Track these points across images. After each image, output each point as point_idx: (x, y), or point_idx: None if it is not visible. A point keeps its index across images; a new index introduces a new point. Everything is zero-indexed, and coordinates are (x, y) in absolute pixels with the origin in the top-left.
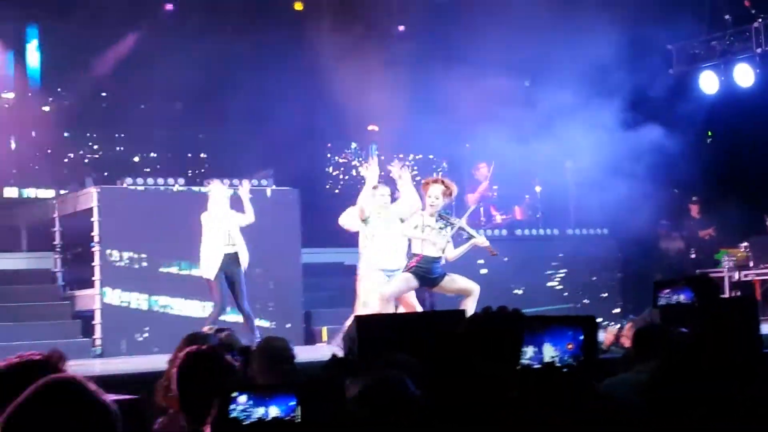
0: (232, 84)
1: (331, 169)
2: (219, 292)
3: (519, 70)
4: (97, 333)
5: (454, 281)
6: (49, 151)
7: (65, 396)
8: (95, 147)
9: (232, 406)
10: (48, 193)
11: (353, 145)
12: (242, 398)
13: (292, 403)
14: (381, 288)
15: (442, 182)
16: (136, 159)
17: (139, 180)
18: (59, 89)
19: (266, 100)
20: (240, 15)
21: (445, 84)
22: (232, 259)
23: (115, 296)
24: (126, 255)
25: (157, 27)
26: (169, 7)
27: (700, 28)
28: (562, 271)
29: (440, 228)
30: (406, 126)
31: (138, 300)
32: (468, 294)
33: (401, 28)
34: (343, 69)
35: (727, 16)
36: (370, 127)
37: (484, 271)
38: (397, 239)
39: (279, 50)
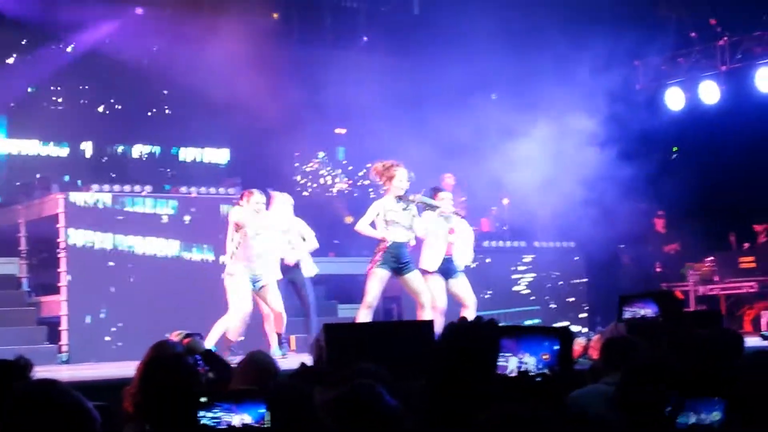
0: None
1: (299, 178)
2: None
3: (485, 83)
4: (64, 339)
5: (417, 281)
6: None
7: (50, 398)
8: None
9: (201, 413)
10: None
11: (321, 154)
12: (212, 405)
13: (262, 410)
14: (366, 298)
15: (403, 167)
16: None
17: (106, 186)
18: None
19: (233, 108)
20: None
21: (412, 95)
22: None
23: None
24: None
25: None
26: (140, 11)
27: (667, 45)
28: (529, 275)
29: (402, 209)
30: (373, 132)
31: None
32: (421, 302)
33: (365, 38)
34: (309, 77)
35: (693, 34)
36: (337, 130)
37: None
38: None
39: (247, 59)
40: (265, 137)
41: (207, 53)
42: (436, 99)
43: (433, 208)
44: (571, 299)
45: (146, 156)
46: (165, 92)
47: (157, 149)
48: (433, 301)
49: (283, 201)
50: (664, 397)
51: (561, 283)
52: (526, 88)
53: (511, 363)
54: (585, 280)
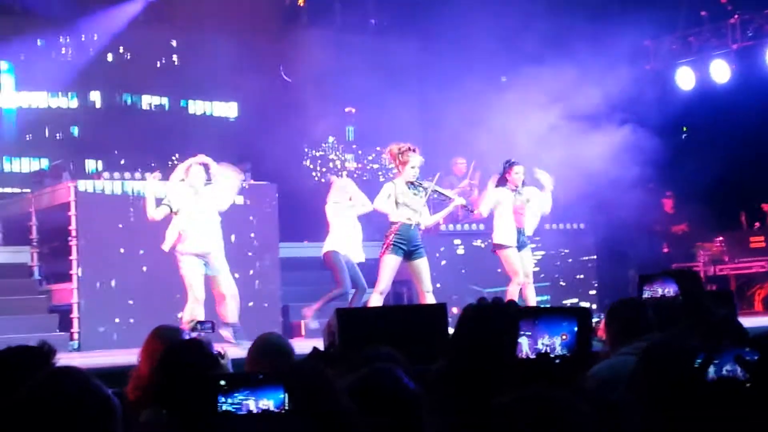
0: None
1: (308, 163)
2: (345, 273)
3: (495, 65)
4: (75, 327)
5: (422, 270)
6: None
7: (70, 384)
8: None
9: (222, 399)
10: None
11: (330, 139)
12: (231, 391)
13: (282, 394)
14: (379, 284)
15: (418, 152)
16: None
17: (116, 173)
18: None
19: (243, 92)
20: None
21: (421, 76)
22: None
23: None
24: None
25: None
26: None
27: (677, 24)
28: (538, 253)
29: (413, 194)
30: (383, 114)
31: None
32: (422, 290)
33: (373, 21)
34: (321, 60)
35: (703, 12)
36: (347, 109)
37: (461, 251)
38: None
39: (256, 45)
40: (276, 113)
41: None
42: (446, 80)
43: (444, 196)
44: (581, 276)
45: (155, 107)
46: (173, 43)
47: (165, 101)
48: (520, 275)
49: (343, 185)
50: (691, 353)
51: (570, 260)
52: (536, 69)
53: (529, 344)
54: (594, 257)
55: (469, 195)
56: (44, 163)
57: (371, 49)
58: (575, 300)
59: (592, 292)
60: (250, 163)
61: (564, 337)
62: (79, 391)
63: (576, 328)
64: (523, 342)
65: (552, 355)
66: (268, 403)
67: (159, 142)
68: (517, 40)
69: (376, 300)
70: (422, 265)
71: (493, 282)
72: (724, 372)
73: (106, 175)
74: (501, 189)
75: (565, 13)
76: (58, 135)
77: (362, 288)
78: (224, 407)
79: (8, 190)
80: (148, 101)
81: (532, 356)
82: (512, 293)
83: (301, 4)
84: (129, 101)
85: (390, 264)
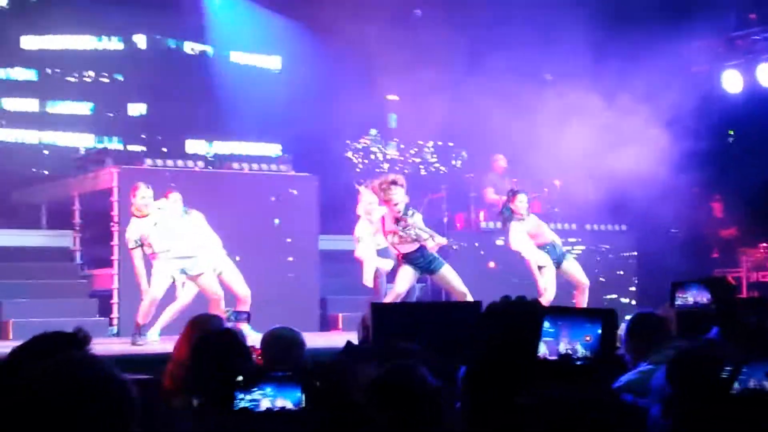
0: None
1: (350, 154)
2: (382, 288)
3: (540, 63)
4: (114, 312)
5: (449, 278)
6: None
7: (81, 373)
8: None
9: (239, 395)
10: None
11: (373, 131)
12: (249, 387)
13: (299, 393)
14: (396, 286)
15: (398, 183)
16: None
17: (159, 161)
18: None
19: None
20: None
21: (465, 69)
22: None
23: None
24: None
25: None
26: None
27: (725, 26)
28: (578, 248)
29: (403, 228)
30: (426, 105)
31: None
32: (460, 297)
33: (418, 12)
34: (363, 54)
35: (752, 15)
36: (389, 97)
37: (500, 241)
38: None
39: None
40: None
41: None
42: (490, 75)
43: (427, 239)
44: (621, 272)
45: (198, 53)
46: None
47: (210, 48)
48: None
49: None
50: (719, 363)
51: (611, 256)
52: (582, 68)
53: (551, 345)
54: (635, 253)
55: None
56: (89, 107)
57: (416, 42)
58: (614, 296)
59: (632, 288)
60: (292, 155)
61: (588, 338)
62: (91, 377)
63: (600, 331)
64: (548, 343)
65: (574, 357)
66: (285, 401)
67: (201, 94)
68: (563, 40)
69: (389, 299)
70: (445, 273)
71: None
72: (751, 384)
73: (148, 161)
74: (516, 228)
75: (613, 14)
76: (102, 78)
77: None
78: (242, 404)
79: (51, 132)
80: (191, 47)
81: (553, 357)
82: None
83: None
84: (173, 45)
85: (406, 272)
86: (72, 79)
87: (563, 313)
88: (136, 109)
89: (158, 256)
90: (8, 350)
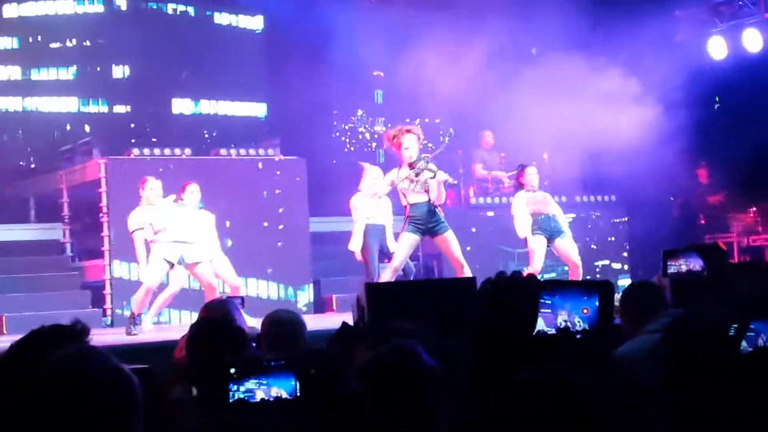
0: None
1: (338, 134)
2: (372, 263)
3: (525, 37)
4: (107, 303)
5: (450, 243)
6: None
7: (86, 365)
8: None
9: (233, 387)
10: None
11: (359, 112)
12: (243, 378)
13: (293, 382)
14: (393, 260)
15: (412, 132)
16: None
17: (146, 150)
18: None
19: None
20: None
21: (451, 48)
22: (380, 231)
23: (124, 269)
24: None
25: None
26: None
27: None
28: (569, 215)
29: (415, 175)
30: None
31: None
32: (458, 264)
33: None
34: (350, 35)
35: None
36: (375, 73)
37: (491, 213)
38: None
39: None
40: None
41: None
42: (475, 49)
43: (433, 172)
44: (612, 238)
45: (180, 12)
46: None
47: (191, 9)
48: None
49: (374, 174)
50: (721, 325)
51: (601, 223)
52: (566, 41)
53: (549, 319)
54: (625, 219)
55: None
56: (72, 71)
57: (399, 21)
58: (606, 262)
59: (624, 254)
60: (279, 138)
61: (585, 311)
62: (95, 371)
63: (597, 303)
64: (539, 320)
65: (573, 330)
66: (280, 390)
67: (185, 54)
68: (547, 13)
69: (387, 275)
70: (448, 238)
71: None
72: (759, 343)
73: (135, 151)
74: (520, 195)
75: None
76: (85, 42)
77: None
78: (237, 395)
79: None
80: (173, 7)
81: (552, 331)
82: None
83: None
84: (154, 6)
85: (406, 241)
86: (54, 45)
87: (560, 287)
88: (120, 71)
89: (156, 239)
90: (5, 345)
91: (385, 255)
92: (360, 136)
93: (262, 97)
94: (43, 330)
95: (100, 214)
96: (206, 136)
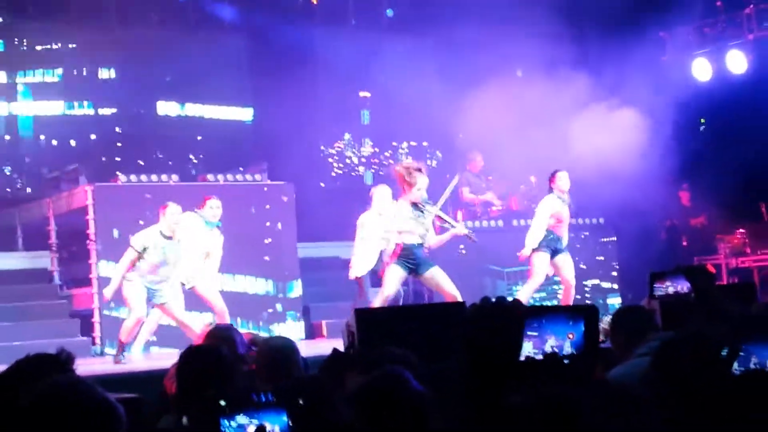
0: None
1: (330, 160)
2: (367, 286)
3: (511, 60)
4: (96, 331)
5: (438, 279)
6: None
7: (70, 396)
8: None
9: (224, 423)
10: None
11: (346, 135)
12: (234, 412)
13: (285, 417)
14: (384, 290)
15: (422, 171)
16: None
17: (133, 177)
18: None
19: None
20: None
21: (437, 71)
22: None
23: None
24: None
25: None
26: None
27: (692, 15)
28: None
29: (417, 216)
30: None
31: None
32: (449, 296)
33: (390, 13)
34: (336, 58)
35: (718, 2)
36: (362, 94)
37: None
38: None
39: (275, 44)
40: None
41: None
42: (462, 73)
43: (446, 222)
44: (601, 258)
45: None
46: None
47: None
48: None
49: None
50: (712, 346)
51: (590, 242)
52: (552, 64)
53: (536, 344)
54: (614, 239)
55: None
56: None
57: (386, 43)
58: (596, 281)
59: (614, 273)
60: (266, 163)
61: (571, 336)
62: (78, 401)
63: (583, 327)
64: (527, 345)
65: (560, 355)
66: (273, 427)
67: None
68: (533, 35)
69: (378, 302)
70: (435, 274)
71: (512, 262)
72: (751, 365)
73: (122, 178)
74: (549, 198)
75: (580, 7)
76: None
77: None
78: (228, 431)
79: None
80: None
81: (539, 356)
82: (524, 293)
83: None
84: None
85: (395, 274)
86: (39, 47)
87: (545, 312)
88: (106, 72)
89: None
90: None
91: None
92: (347, 160)
93: (249, 101)
94: (29, 359)
95: (88, 242)
96: (198, 138)
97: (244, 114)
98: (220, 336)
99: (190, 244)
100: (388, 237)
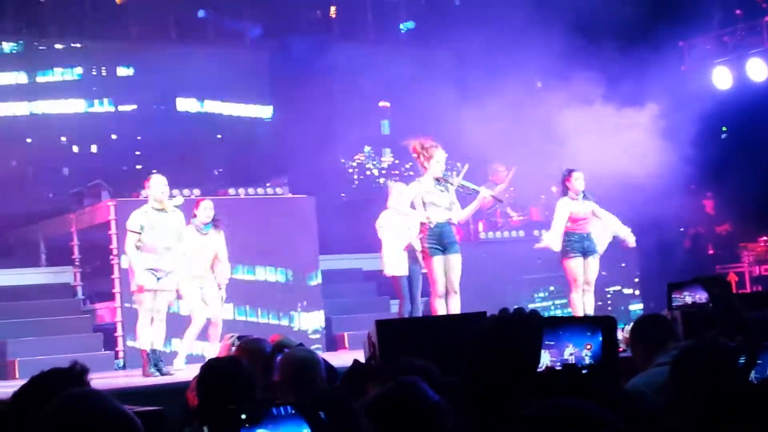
0: None
1: (351, 171)
2: (404, 287)
3: (529, 71)
4: (119, 345)
5: (456, 268)
6: None
7: (86, 409)
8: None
9: None
10: None
11: (366, 148)
12: (253, 426)
13: (306, 429)
14: (435, 288)
15: (441, 148)
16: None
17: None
18: None
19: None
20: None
21: (456, 80)
22: (412, 255)
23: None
24: None
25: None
26: None
27: (712, 24)
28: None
29: (441, 191)
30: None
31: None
32: (449, 289)
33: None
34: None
35: (738, 11)
36: (381, 103)
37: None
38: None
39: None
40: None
41: None
42: (480, 83)
43: (471, 190)
44: (623, 264)
45: None
46: None
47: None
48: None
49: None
50: (729, 355)
51: (611, 248)
52: (571, 74)
53: (554, 354)
54: (635, 247)
55: (508, 202)
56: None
57: (405, 54)
58: (618, 288)
59: (636, 279)
60: (287, 177)
61: (589, 347)
62: (94, 414)
63: (601, 338)
64: (545, 356)
65: (578, 366)
66: None
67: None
68: (552, 45)
69: (438, 305)
70: (453, 261)
71: (533, 270)
72: None
73: (144, 193)
74: (563, 200)
75: (599, 17)
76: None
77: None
78: None
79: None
80: None
81: (558, 367)
82: (574, 301)
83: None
84: None
85: (436, 267)
86: (59, 47)
87: (562, 323)
88: (124, 70)
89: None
90: (12, 391)
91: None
92: (368, 173)
93: (268, 99)
94: (43, 375)
95: (111, 256)
96: (219, 137)
97: (263, 111)
98: (251, 349)
99: (193, 251)
100: (412, 215)
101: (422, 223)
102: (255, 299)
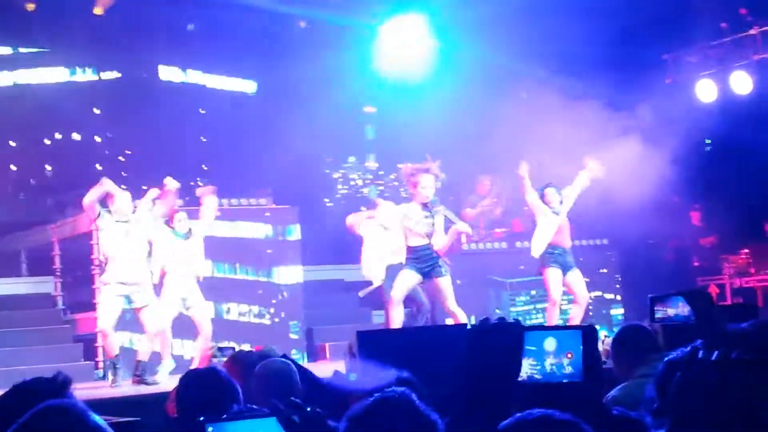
0: None
1: (336, 182)
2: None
3: (515, 83)
4: (100, 356)
5: (447, 290)
6: None
7: (61, 421)
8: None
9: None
10: None
11: (351, 158)
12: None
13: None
14: (392, 292)
15: (431, 171)
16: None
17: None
18: None
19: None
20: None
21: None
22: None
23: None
24: None
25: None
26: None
27: (697, 37)
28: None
29: (424, 217)
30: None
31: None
32: (448, 309)
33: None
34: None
35: (723, 24)
36: (366, 108)
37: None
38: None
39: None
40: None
41: None
42: (466, 97)
43: (454, 222)
44: (604, 270)
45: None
46: None
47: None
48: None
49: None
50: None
51: (592, 255)
52: (556, 86)
53: (536, 365)
54: (615, 252)
55: (492, 213)
56: None
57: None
58: (599, 293)
59: (617, 285)
60: (271, 188)
61: (569, 356)
62: (69, 427)
63: (582, 346)
64: (525, 364)
65: (558, 375)
66: None
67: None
68: (536, 56)
69: (391, 312)
70: (442, 283)
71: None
72: None
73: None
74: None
75: (584, 29)
76: None
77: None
78: None
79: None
80: None
81: (538, 377)
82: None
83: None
84: None
85: (403, 275)
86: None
87: (543, 332)
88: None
89: (105, 280)
90: None
91: (412, 300)
92: (352, 182)
93: (253, 74)
94: (25, 384)
95: (92, 267)
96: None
97: (247, 86)
98: (241, 360)
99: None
100: (399, 234)
101: (406, 245)
102: (235, 257)
